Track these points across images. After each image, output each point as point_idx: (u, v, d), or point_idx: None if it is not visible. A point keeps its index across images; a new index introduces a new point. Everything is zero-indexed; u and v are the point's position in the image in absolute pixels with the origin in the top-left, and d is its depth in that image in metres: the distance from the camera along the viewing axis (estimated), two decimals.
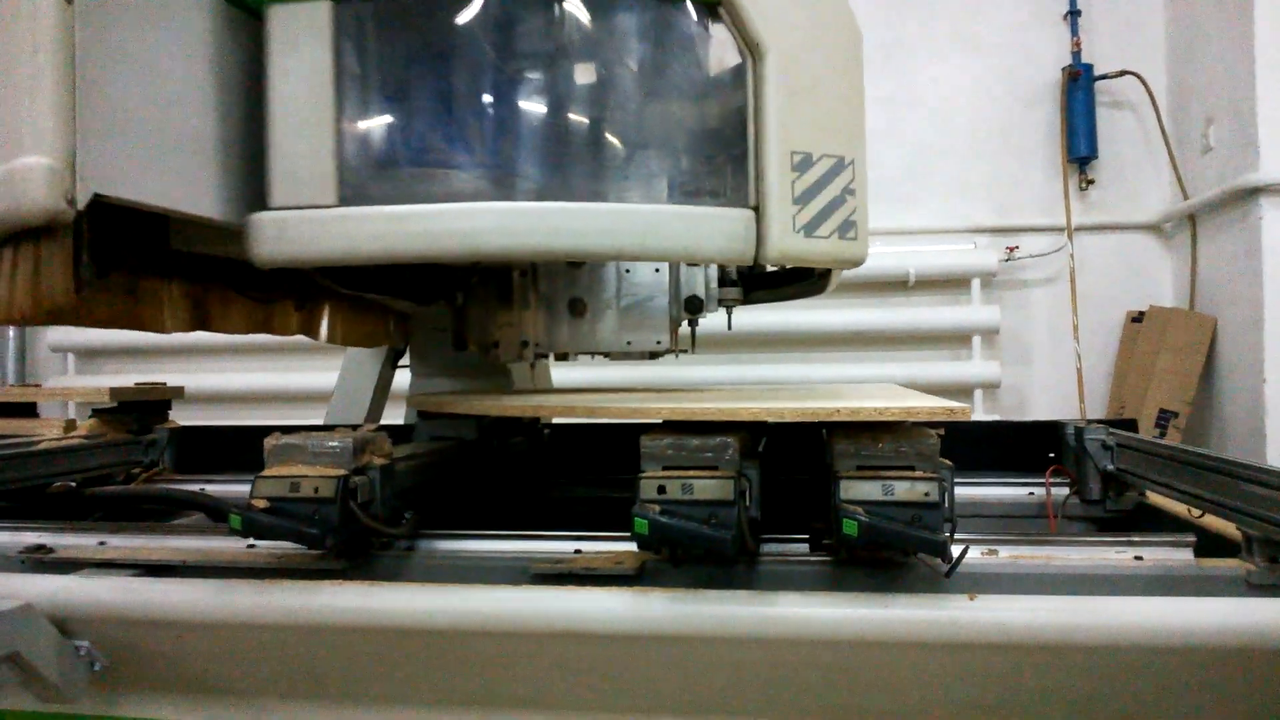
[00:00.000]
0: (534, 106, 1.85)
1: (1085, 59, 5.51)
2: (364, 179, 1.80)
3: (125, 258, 2.02)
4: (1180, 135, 5.39)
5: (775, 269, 2.71)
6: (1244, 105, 4.64)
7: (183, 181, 1.72)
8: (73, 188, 1.45)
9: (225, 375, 6.17)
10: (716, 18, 1.81)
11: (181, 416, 3.38)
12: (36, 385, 6.15)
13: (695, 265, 2.65)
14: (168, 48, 1.68)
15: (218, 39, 1.83)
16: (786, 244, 1.80)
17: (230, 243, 2.03)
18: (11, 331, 6.41)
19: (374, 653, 1.96)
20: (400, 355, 3.44)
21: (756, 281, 2.83)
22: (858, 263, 1.90)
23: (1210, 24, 5.00)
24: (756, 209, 1.82)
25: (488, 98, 1.82)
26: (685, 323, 2.73)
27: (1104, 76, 5.49)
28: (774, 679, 1.90)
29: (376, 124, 1.83)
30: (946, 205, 5.71)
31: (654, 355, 2.70)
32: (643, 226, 1.79)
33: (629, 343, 2.62)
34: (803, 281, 2.74)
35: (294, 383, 5.97)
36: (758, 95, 1.80)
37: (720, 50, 1.83)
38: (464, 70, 1.83)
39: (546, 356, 2.76)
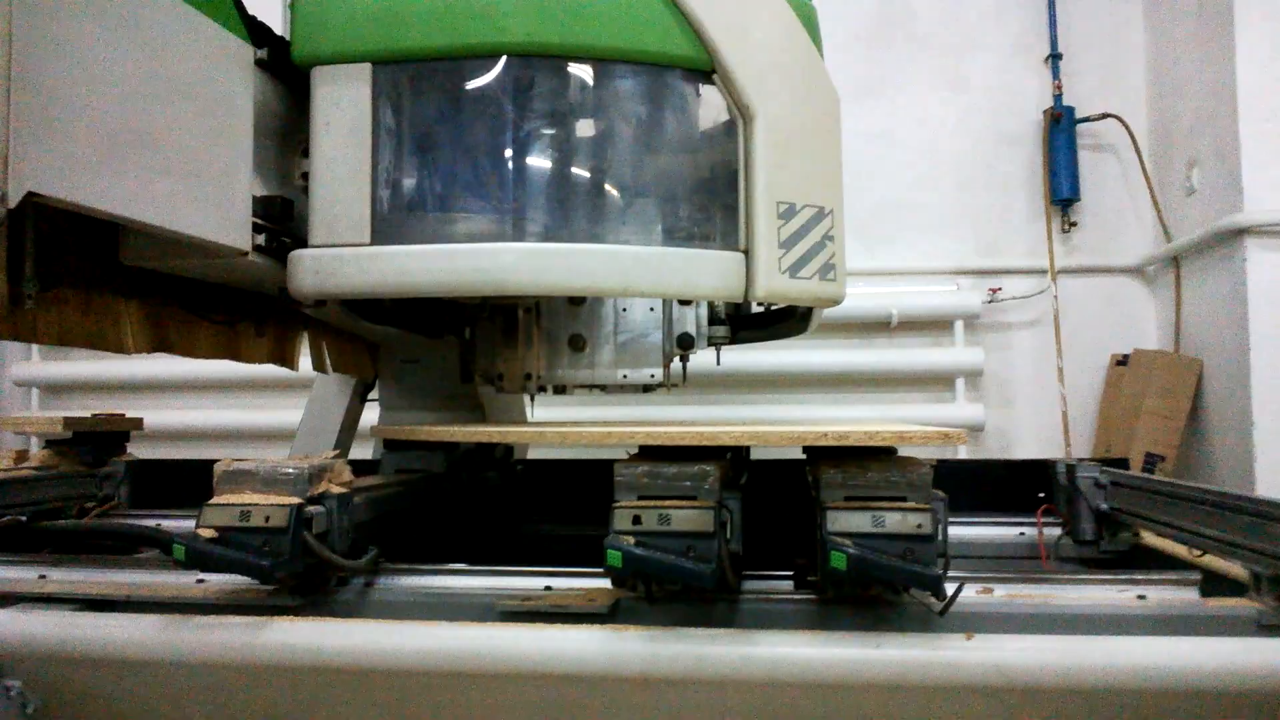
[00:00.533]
0: (550, 159, 2.05)
1: (1067, 101, 5.49)
2: (396, 221, 2.00)
3: (72, 272, 1.92)
4: (1162, 178, 5.37)
5: (761, 310, 2.78)
6: (1227, 146, 4.62)
7: (135, 188, 1.62)
8: (3, 183, 1.34)
9: (201, 412, 6.00)
10: (711, 84, 2.01)
11: (154, 454, 3.24)
12: None
13: (691, 301, 2.76)
14: (125, 49, 1.59)
15: (198, 52, 1.78)
16: (773, 283, 1.97)
17: (183, 258, 1.93)
18: None
19: (329, 695, 1.84)
20: (369, 388, 3.33)
21: (743, 323, 2.91)
22: (837, 301, 2.07)
23: (1192, 66, 4.99)
24: (747, 252, 2.00)
25: (508, 151, 2.01)
26: (677, 359, 2.83)
27: (1086, 119, 5.47)
28: None
29: (408, 172, 2.03)
30: (929, 245, 5.65)
31: (647, 389, 2.77)
32: (647, 266, 1.97)
33: (624, 375, 2.71)
34: (786, 321, 2.78)
35: (271, 420, 5.79)
36: (748, 152, 1.99)
37: (714, 112, 2.04)
38: (486, 126, 2.02)
39: (546, 389, 2.79)
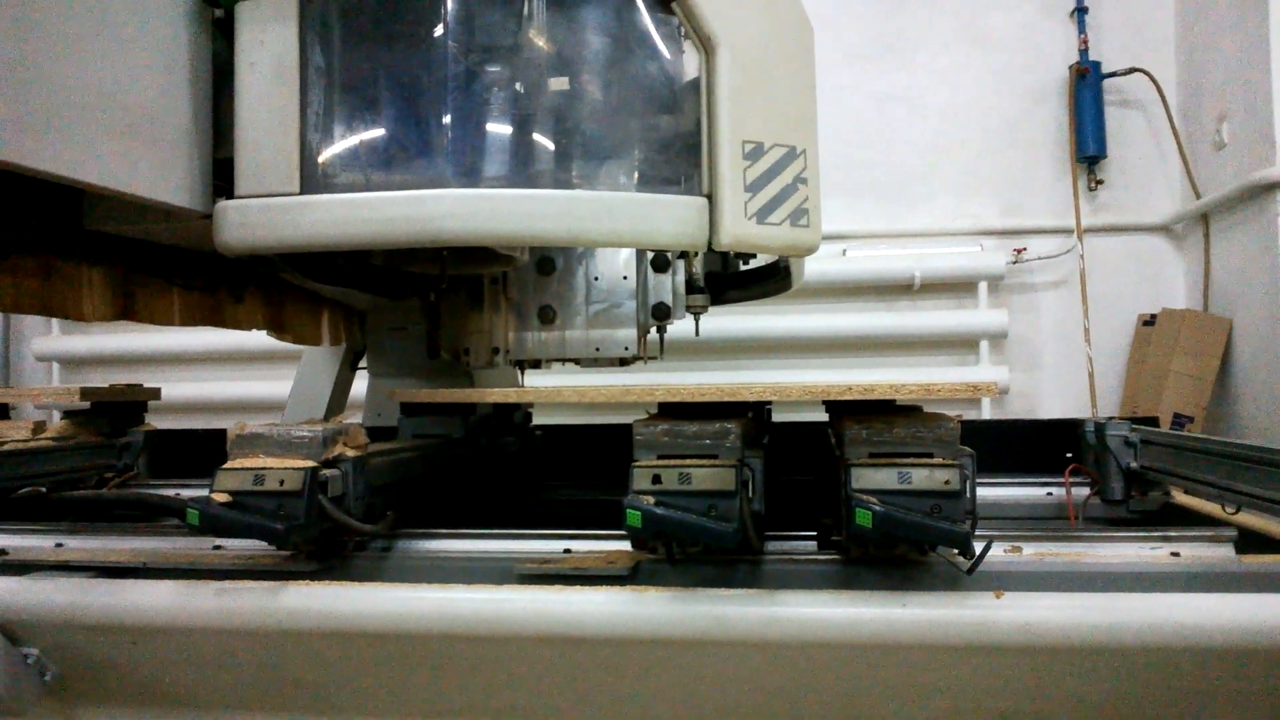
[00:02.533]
0: (493, 98, 1.88)
1: (1093, 56, 5.36)
2: (327, 168, 1.85)
3: (29, 239, 1.88)
4: (1191, 133, 5.25)
5: (745, 269, 2.72)
6: (1259, 99, 4.50)
7: (84, 149, 1.57)
8: None
9: (224, 384, 6.00)
10: (670, 13, 1.85)
11: (177, 426, 3.23)
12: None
13: (668, 269, 2.68)
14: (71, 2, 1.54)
15: (151, 8, 1.72)
16: (739, 230, 1.80)
17: (145, 221, 1.90)
18: None
19: (346, 659, 1.82)
20: (360, 356, 3.30)
21: (727, 282, 2.83)
22: (810, 250, 1.91)
23: (1222, 17, 4.86)
24: (710, 196, 1.83)
25: (448, 90, 1.85)
26: (654, 329, 2.74)
27: (1112, 74, 5.35)
28: (781, 685, 1.76)
29: (340, 115, 1.88)
30: (952, 206, 5.57)
31: (624, 362, 2.69)
32: (597, 212, 1.81)
33: (597, 349, 2.64)
34: (768, 279, 2.74)
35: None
36: (710, 87, 1.83)
37: (674, 44, 1.88)
38: (424, 63, 1.87)
39: (517, 364, 2.73)
